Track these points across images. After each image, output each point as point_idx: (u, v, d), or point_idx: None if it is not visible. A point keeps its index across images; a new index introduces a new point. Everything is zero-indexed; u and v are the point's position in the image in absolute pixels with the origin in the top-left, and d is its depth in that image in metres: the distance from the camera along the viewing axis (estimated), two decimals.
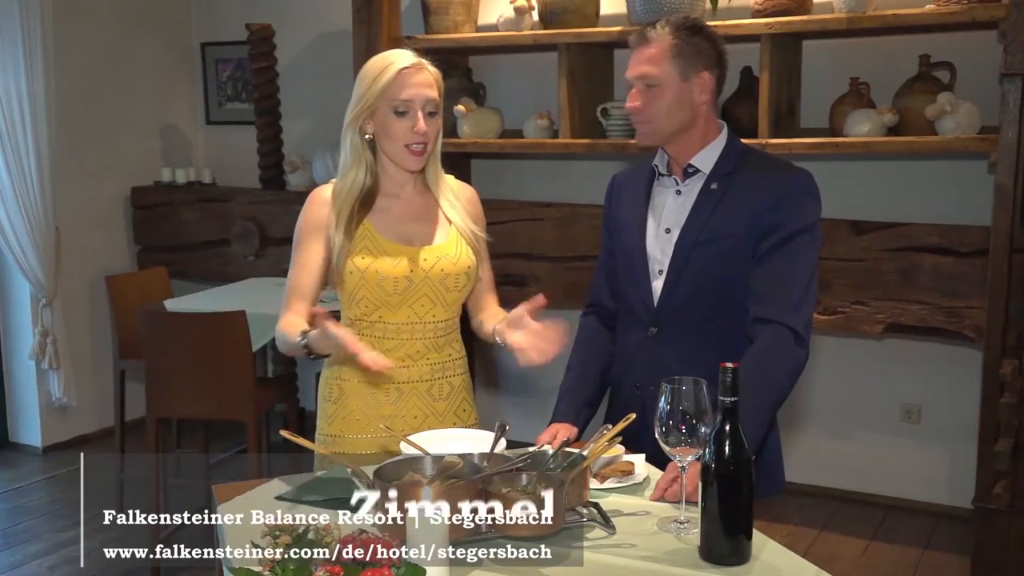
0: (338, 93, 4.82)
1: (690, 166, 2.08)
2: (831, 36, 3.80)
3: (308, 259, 2.10)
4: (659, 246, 2.10)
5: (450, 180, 2.20)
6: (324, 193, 2.14)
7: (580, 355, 2.22)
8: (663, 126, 2.04)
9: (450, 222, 2.14)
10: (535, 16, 4.11)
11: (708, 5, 3.70)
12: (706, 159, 2.07)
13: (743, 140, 2.18)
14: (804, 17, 3.58)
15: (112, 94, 5.15)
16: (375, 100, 2.04)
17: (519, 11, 4.08)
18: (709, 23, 3.61)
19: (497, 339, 2.03)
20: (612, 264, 2.23)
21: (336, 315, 2.17)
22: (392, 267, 2.07)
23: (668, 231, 2.09)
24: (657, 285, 2.09)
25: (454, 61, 4.51)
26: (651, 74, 2.01)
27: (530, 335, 1.91)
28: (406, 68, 2.03)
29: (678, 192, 2.11)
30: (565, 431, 2.04)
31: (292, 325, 2.03)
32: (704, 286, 2.04)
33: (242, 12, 5.14)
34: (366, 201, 2.11)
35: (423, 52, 2.14)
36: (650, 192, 2.15)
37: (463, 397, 2.21)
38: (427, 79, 2.05)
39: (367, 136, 2.09)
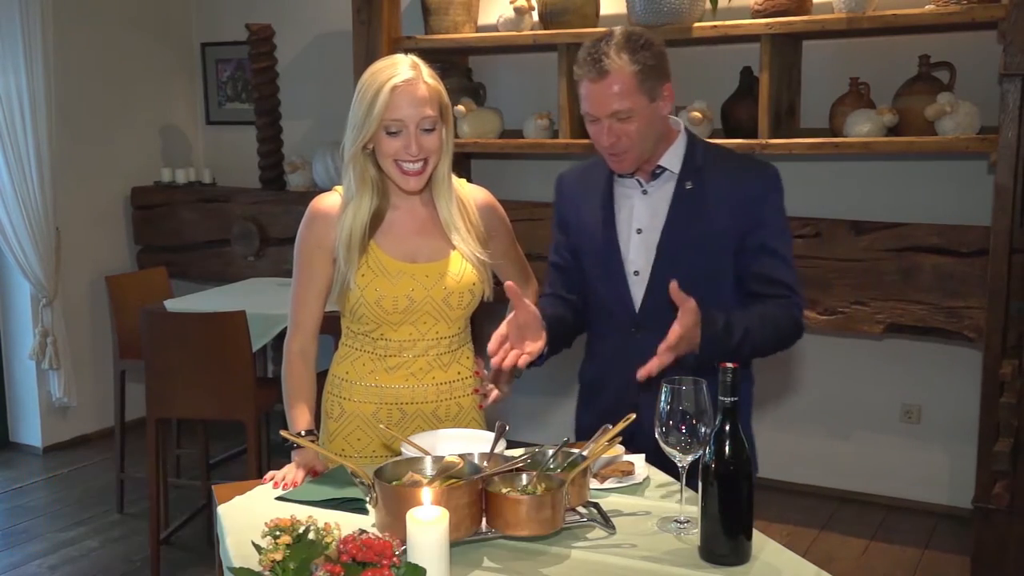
0: (338, 93, 4.87)
1: (658, 167, 2.08)
2: (831, 36, 3.80)
3: (313, 281, 2.07)
4: (631, 247, 2.09)
5: (463, 186, 2.14)
6: (325, 206, 2.06)
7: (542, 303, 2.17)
8: (644, 151, 2.03)
9: (453, 242, 2.08)
10: (535, 16, 4.11)
11: (708, 5, 3.70)
12: (673, 158, 2.08)
13: (735, 140, 2.17)
14: (804, 17, 3.58)
15: (112, 94, 5.15)
16: (373, 125, 1.94)
17: (519, 11, 4.08)
18: (710, 23, 3.68)
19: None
20: (569, 262, 2.21)
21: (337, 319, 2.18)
22: (392, 288, 2.02)
23: (640, 232, 2.09)
24: (634, 286, 2.09)
25: (454, 61, 4.51)
26: (623, 109, 1.95)
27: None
28: (399, 85, 1.91)
29: (644, 192, 2.10)
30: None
31: (297, 398, 2.12)
32: (690, 286, 2.03)
33: (242, 12, 5.14)
34: (374, 221, 2.04)
35: (423, 53, 2.12)
36: (611, 192, 2.13)
37: (472, 417, 2.16)
38: (422, 94, 1.93)
39: (369, 150, 2.00)
